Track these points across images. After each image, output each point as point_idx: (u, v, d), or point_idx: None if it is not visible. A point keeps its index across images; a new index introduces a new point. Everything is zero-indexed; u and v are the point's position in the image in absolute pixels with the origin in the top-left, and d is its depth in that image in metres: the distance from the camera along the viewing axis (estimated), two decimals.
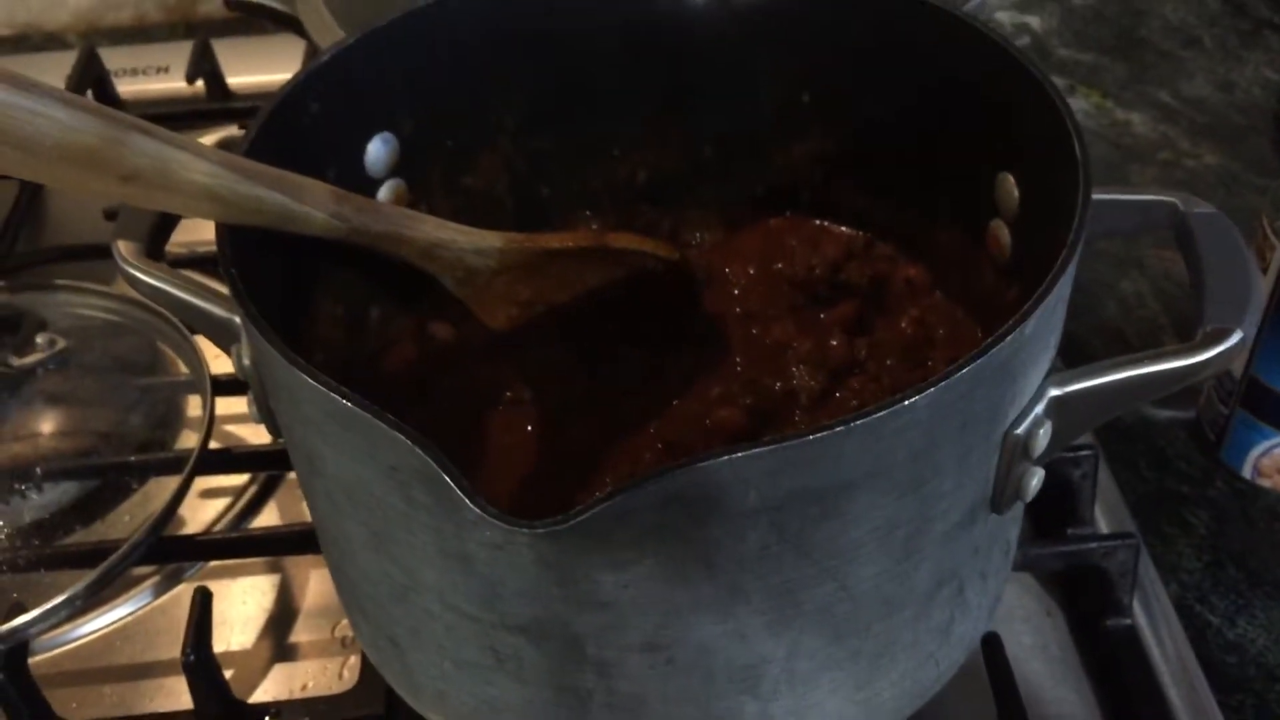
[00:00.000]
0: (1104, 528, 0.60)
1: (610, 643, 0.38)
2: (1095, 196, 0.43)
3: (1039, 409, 0.39)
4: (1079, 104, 0.89)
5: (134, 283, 0.45)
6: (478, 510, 0.32)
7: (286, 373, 0.36)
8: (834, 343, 0.52)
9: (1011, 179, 0.47)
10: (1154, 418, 0.68)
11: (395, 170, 0.53)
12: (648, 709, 0.40)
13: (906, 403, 0.33)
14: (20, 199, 0.80)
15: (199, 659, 0.52)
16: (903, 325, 0.53)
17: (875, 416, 0.33)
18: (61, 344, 0.63)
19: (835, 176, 0.57)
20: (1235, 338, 0.39)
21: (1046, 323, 0.37)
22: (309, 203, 0.42)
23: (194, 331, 0.65)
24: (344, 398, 0.35)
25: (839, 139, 0.55)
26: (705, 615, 0.37)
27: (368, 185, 0.52)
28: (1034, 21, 0.97)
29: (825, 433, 0.33)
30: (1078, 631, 0.57)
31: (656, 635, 0.38)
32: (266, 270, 0.43)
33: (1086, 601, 0.57)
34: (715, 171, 0.59)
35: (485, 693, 0.42)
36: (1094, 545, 0.55)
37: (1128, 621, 0.56)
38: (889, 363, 0.52)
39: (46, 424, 0.64)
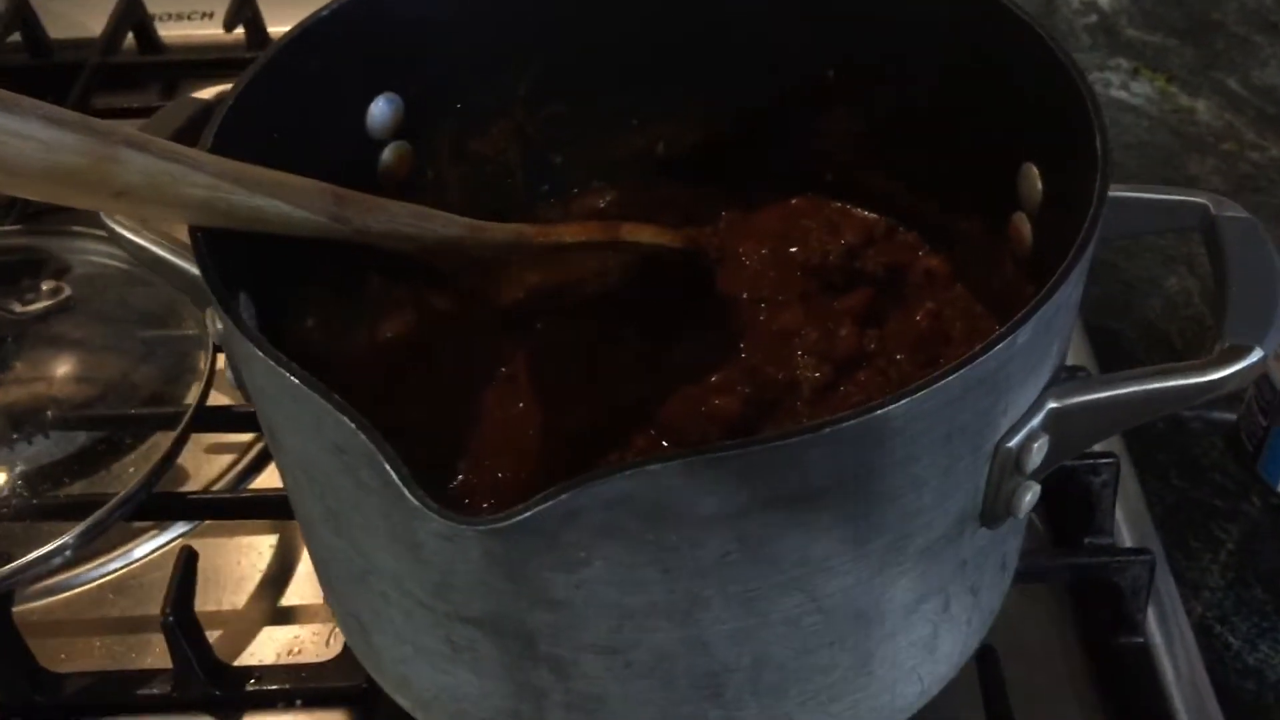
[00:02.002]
0: (1126, 537, 0.57)
1: (565, 642, 0.36)
2: (1120, 194, 0.40)
3: (1035, 421, 0.36)
4: (1141, 88, 0.85)
5: (115, 237, 0.44)
6: (418, 503, 0.31)
7: (243, 344, 0.35)
8: (843, 333, 0.50)
9: (1036, 170, 0.45)
10: (1191, 423, 0.64)
11: (399, 132, 0.51)
12: (607, 709, 0.38)
13: (881, 411, 0.31)
14: None
15: (178, 619, 0.51)
16: (917, 318, 0.51)
17: (847, 424, 0.31)
18: (68, 292, 0.63)
19: (859, 158, 0.54)
20: (1254, 356, 0.36)
21: (1046, 330, 0.35)
22: (309, 208, 0.40)
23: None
24: (292, 374, 0.33)
25: (863, 119, 0.53)
26: (663, 620, 0.35)
27: (369, 146, 0.51)
28: None
29: (791, 439, 0.31)
30: (1088, 646, 0.54)
31: (612, 638, 0.36)
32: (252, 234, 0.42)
33: (1098, 616, 0.54)
34: (736, 147, 0.56)
35: (443, 681, 0.40)
36: (1106, 559, 0.52)
37: (1140, 639, 0.53)
38: (898, 357, 0.50)
39: (54, 370, 0.64)
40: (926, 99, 0.50)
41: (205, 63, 0.87)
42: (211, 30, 0.92)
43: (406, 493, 0.31)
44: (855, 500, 0.33)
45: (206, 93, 0.47)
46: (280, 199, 0.39)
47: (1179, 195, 0.41)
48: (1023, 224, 0.46)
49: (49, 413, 0.61)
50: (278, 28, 0.90)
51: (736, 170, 0.57)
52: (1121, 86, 0.85)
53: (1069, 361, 0.64)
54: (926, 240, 0.54)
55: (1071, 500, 0.56)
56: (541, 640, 0.36)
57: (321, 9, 0.47)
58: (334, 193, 0.41)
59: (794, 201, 0.56)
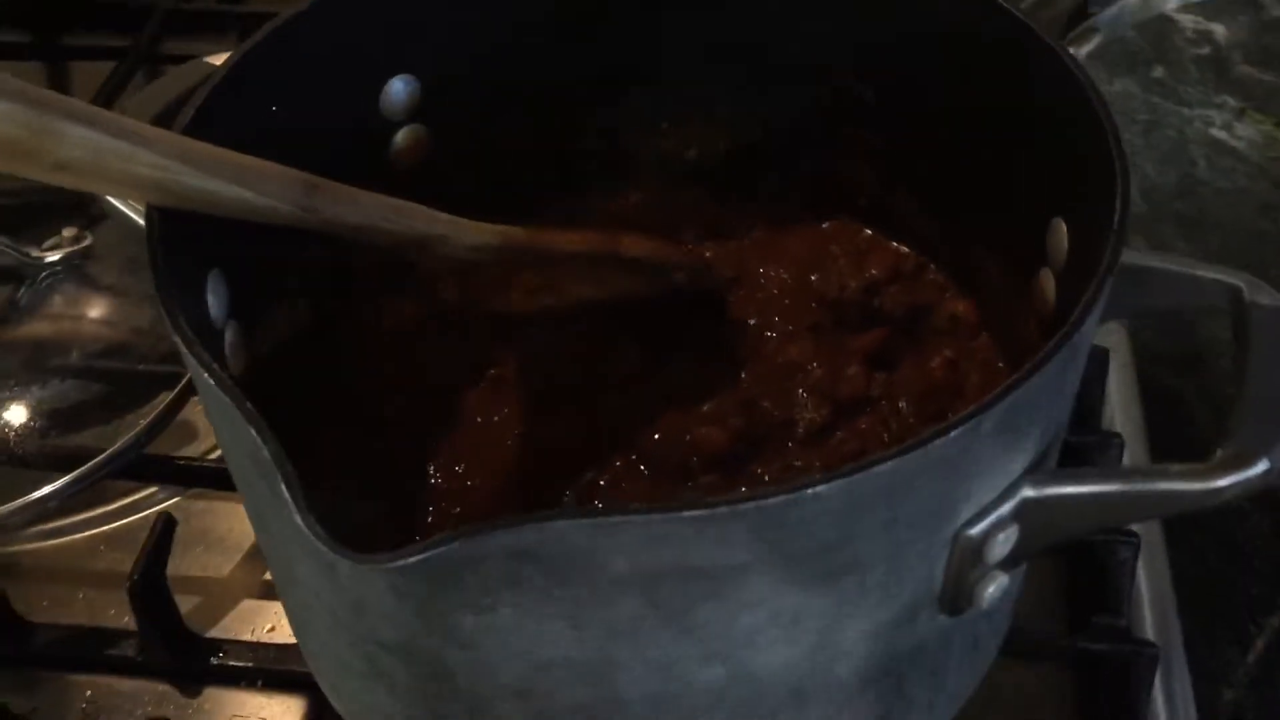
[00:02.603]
0: (1146, 619, 0.53)
1: (481, 682, 0.35)
2: (1143, 263, 0.37)
3: (1004, 510, 0.33)
4: (1245, 131, 0.79)
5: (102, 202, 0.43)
6: (306, 531, 0.29)
7: (172, 334, 0.34)
8: (850, 372, 0.47)
9: (1064, 227, 0.41)
10: (1236, 506, 0.60)
11: (415, 115, 0.49)
12: None
13: (810, 491, 0.29)
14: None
15: (145, 584, 0.50)
16: (933, 365, 0.48)
17: (770, 501, 0.28)
18: (88, 240, 0.62)
19: (895, 187, 0.51)
20: (1259, 467, 0.33)
21: (1018, 417, 0.32)
22: (273, 195, 0.38)
23: None
24: (211, 376, 0.32)
25: (900, 145, 0.50)
26: (577, 676, 0.33)
27: (382, 128, 0.49)
28: (1219, 30, 0.87)
29: (705, 511, 0.28)
30: None
31: (528, 684, 0.34)
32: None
33: (1102, 701, 0.51)
34: (770, 160, 0.54)
35: (367, 698, 0.39)
36: (1105, 647, 0.49)
37: None
38: (902, 406, 0.47)
39: (77, 315, 0.64)
40: (966, 135, 0.46)
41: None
42: None
43: (298, 520, 0.29)
44: (782, 579, 0.31)
45: (216, 58, 0.46)
46: (240, 184, 0.37)
47: (1211, 273, 0.38)
48: (1048, 281, 0.43)
49: (63, 358, 0.61)
50: None
51: (770, 185, 0.54)
52: (1224, 127, 0.80)
53: (1115, 423, 0.60)
54: (956, 282, 0.50)
55: (1087, 574, 0.52)
56: (458, 677, 0.34)
57: None
58: (304, 181, 0.39)
59: (825, 225, 0.53)
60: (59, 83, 0.86)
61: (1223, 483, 0.32)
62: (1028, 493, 0.33)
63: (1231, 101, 0.82)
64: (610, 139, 0.54)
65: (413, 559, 0.28)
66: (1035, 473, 0.34)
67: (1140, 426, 0.61)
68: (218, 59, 0.47)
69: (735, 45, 0.50)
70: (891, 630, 0.35)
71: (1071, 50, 0.57)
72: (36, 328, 0.62)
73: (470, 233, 0.43)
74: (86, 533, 0.59)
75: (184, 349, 0.33)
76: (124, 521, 0.60)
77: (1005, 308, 0.47)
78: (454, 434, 0.48)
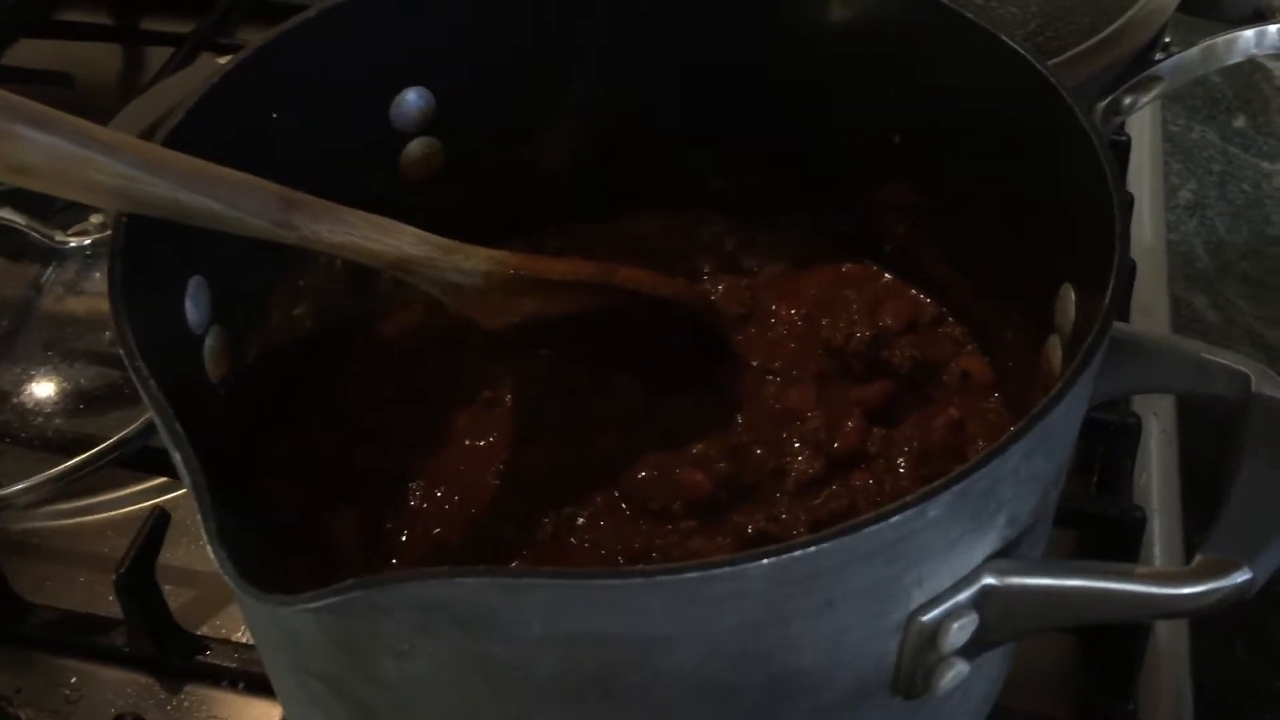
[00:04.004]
0: (1157, 710, 0.51)
1: None
2: (1147, 341, 0.34)
3: (961, 597, 0.31)
4: None
5: None
6: (216, 563, 0.28)
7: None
8: (849, 425, 0.45)
9: (1073, 294, 0.39)
10: (1273, 585, 0.56)
11: (427, 128, 0.49)
12: None
13: (725, 569, 0.27)
14: None
15: (133, 577, 0.51)
16: (937, 424, 0.46)
17: (682, 576, 0.27)
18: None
19: (918, 234, 0.49)
20: (1240, 577, 0.30)
21: (975, 502, 0.30)
22: (246, 209, 0.37)
23: None
24: (147, 393, 0.31)
25: (925, 193, 0.48)
26: None
27: (390, 139, 0.48)
28: None
29: (617, 581, 0.27)
30: None
31: None
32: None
33: None
34: (794, 196, 0.52)
35: None
36: None
37: None
38: (900, 464, 0.45)
39: (85, 305, 0.64)
40: (987, 187, 0.44)
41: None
42: None
43: (211, 550, 0.28)
44: (709, 653, 0.29)
45: (225, 59, 0.46)
46: (212, 197, 0.36)
47: (1219, 357, 0.35)
48: (1055, 350, 0.41)
49: (91, 339, 0.62)
50: None
51: (792, 221, 0.52)
52: None
53: (1150, 498, 0.57)
54: (973, 339, 0.48)
55: (1097, 652, 0.50)
56: (380, 715, 0.34)
57: None
58: (281, 196, 0.38)
59: (845, 269, 0.51)
60: (135, 66, 0.87)
61: (1198, 589, 0.30)
62: (989, 581, 0.32)
63: None
64: (632, 161, 0.53)
65: (318, 604, 0.27)
66: (1000, 559, 0.32)
67: (1175, 502, 0.58)
68: (226, 60, 0.47)
69: (772, 83, 0.49)
70: (838, 714, 0.33)
71: (1130, 99, 0.55)
72: (58, 310, 0.62)
73: (460, 256, 0.42)
74: (94, 516, 0.60)
75: (126, 361, 0.32)
76: (132, 508, 0.60)
77: (1019, 371, 0.45)
78: (440, 453, 0.47)
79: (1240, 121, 0.79)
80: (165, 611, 0.53)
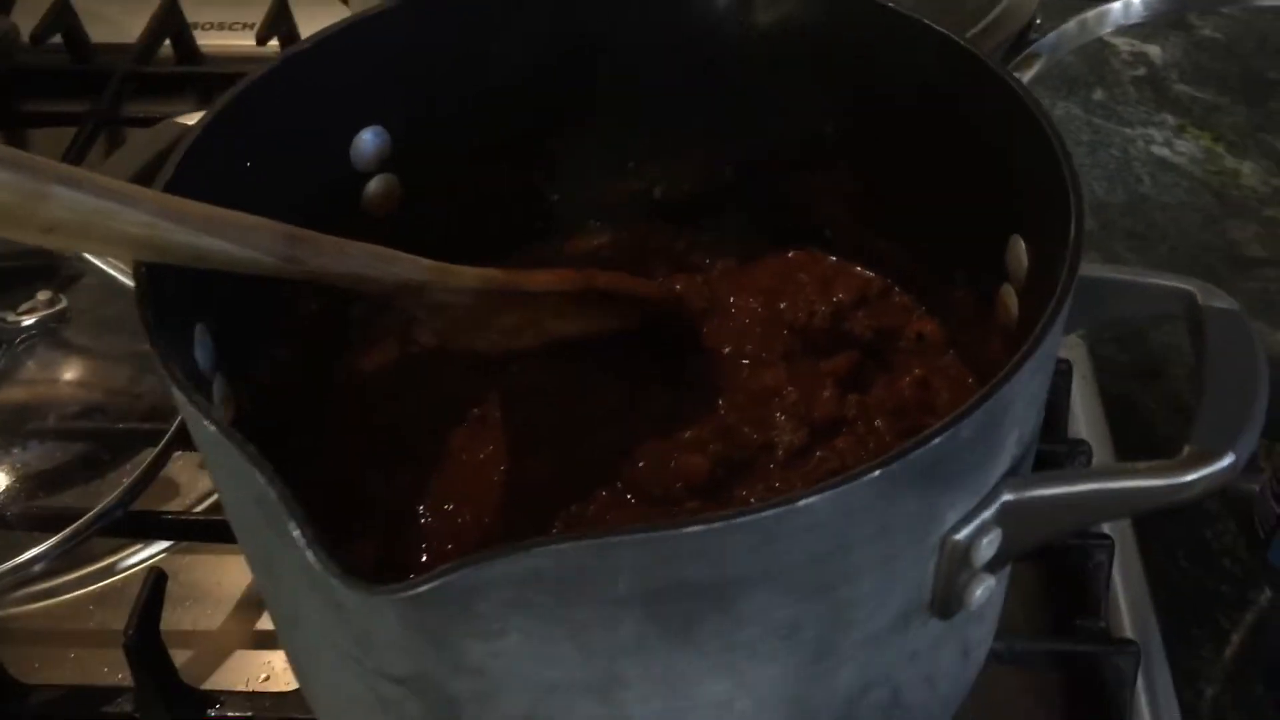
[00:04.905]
0: (1125, 620, 0.55)
1: (487, 710, 0.35)
2: (1097, 275, 0.38)
3: (987, 514, 0.35)
4: (1186, 146, 0.82)
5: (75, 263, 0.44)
6: (319, 567, 0.30)
7: (168, 384, 0.35)
8: (824, 395, 0.49)
9: (1023, 244, 0.43)
10: (1204, 509, 0.62)
11: (385, 165, 0.51)
12: None
13: (800, 503, 0.30)
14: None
15: (141, 640, 0.51)
16: (902, 385, 0.49)
17: (762, 515, 0.30)
18: (63, 303, 0.63)
19: (857, 217, 0.53)
20: (1224, 462, 0.34)
21: (997, 422, 0.33)
22: (257, 247, 0.39)
23: None
24: (212, 423, 0.33)
25: (861, 178, 0.52)
26: (584, 697, 0.34)
27: (352, 178, 0.50)
28: (1154, 51, 0.90)
29: (701, 527, 0.30)
30: None
31: (535, 709, 0.35)
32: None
33: (1085, 705, 0.52)
34: (735, 195, 0.55)
35: None
36: (1089, 648, 0.50)
37: None
38: (878, 424, 0.48)
39: (56, 377, 0.64)
40: (922, 163, 0.48)
41: (242, 74, 0.87)
42: (250, 41, 0.92)
43: (310, 557, 0.30)
44: (779, 591, 0.32)
45: (189, 118, 0.47)
46: (226, 239, 0.38)
47: (1163, 280, 0.39)
48: (1009, 297, 0.44)
49: (43, 420, 0.62)
50: None
51: (735, 219, 0.56)
52: (1164, 144, 0.83)
53: (1080, 431, 0.62)
54: (921, 303, 0.52)
55: (1065, 580, 0.54)
56: (464, 707, 0.35)
57: (307, 39, 0.47)
58: (287, 233, 0.40)
59: (791, 255, 0.55)
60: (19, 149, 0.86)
61: (1191, 477, 0.34)
62: (1007, 497, 0.35)
63: (1171, 119, 0.85)
64: (578, 181, 0.56)
65: (424, 587, 0.29)
66: (1013, 477, 0.35)
67: (1105, 434, 0.63)
68: (189, 119, 0.48)
69: (705, 90, 0.52)
70: (886, 637, 0.36)
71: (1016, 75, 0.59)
72: (15, 391, 0.62)
73: (451, 276, 0.44)
74: (72, 594, 0.59)
75: (183, 399, 0.33)
76: (109, 581, 0.60)
77: (970, 325, 0.49)
78: (442, 473, 0.49)
79: (1099, 94, 0.86)
80: (173, 671, 0.53)
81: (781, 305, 0.52)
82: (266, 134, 0.45)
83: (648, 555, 0.30)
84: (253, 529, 0.36)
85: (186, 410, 0.34)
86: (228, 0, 0.95)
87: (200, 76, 0.89)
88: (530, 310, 0.48)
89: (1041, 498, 0.35)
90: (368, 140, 0.50)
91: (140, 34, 0.88)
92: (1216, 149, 0.82)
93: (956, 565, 0.35)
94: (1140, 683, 0.51)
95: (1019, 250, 0.43)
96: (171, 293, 0.39)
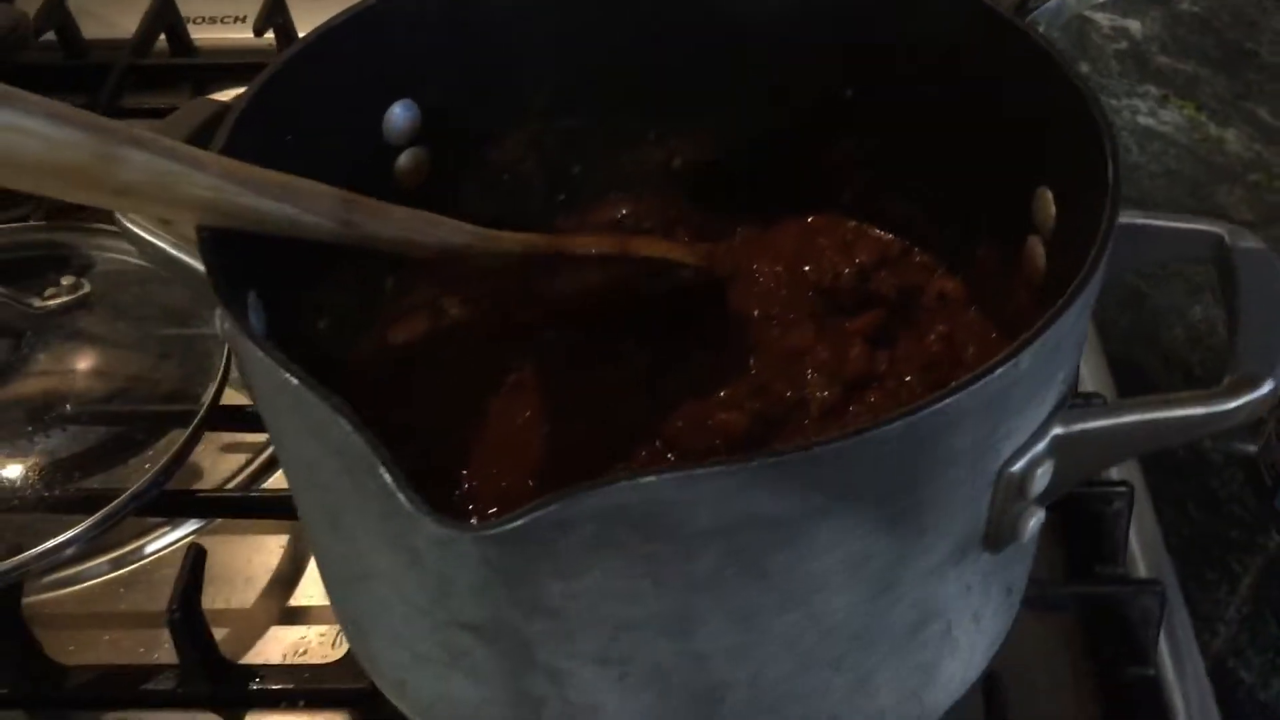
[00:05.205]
0: (1140, 567, 0.57)
1: (561, 651, 0.36)
2: (1130, 221, 0.40)
3: (1040, 447, 0.36)
4: (1170, 116, 0.84)
5: (126, 234, 0.44)
6: (412, 508, 0.31)
7: (244, 344, 0.35)
8: (853, 353, 0.50)
9: (1050, 195, 0.44)
10: (1209, 454, 0.64)
11: (416, 139, 0.51)
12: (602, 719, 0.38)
13: (874, 433, 0.31)
14: None
15: (185, 616, 0.51)
16: (929, 341, 0.51)
17: (840, 444, 0.31)
18: (86, 288, 0.63)
19: (876, 179, 0.54)
20: (1265, 388, 0.36)
21: (1049, 357, 0.34)
22: (316, 212, 0.40)
23: None
24: (293, 375, 0.33)
25: (880, 139, 0.53)
26: (659, 634, 0.35)
27: (385, 152, 0.51)
28: (1134, 26, 0.93)
29: (784, 457, 0.31)
30: (1098, 676, 0.54)
31: (608, 649, 0.36)
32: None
33: (1108, 646, 0.54)
34: (754, 162, 0.56)
35: (441, 687, 0.40)
36: (1115, 589, 0.52)
37: (1151, 671, 0.53)
38: (908, 379, 0.49)
39: (73, 365, 0.64)
40: (943, 121, 0.49)
41: (236, 65, 0.88)
42: (242, 34, 0.92)
43: (402, 498, 0.31)
44: (851, 522, 0.33)
45: (224, 94, 0.48)
46: (287, 202, 0.39)
47: (1193, 224, 0.41)
48: (1037, 249, 0.46)
49: (67, 406, 0.62)
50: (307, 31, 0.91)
51: (754, 186, 0.57)
52: (1149, 114, 0.85)
53: (1088, 388, 0.64)
54: (942, 263, 0.53)
55: (1084, 527, 0.55)
56: (538, 649, 0.36)
57: (338, 15, 0.47)
58: (342, 198, 0.41)
59: (810, 219, 0.56)
60: None
61: (1234, 404, 0.35)
62: (1058, 430, 0.36)
63: (1154, 90, 0.87)
64: (598, 153, 0.56)
65: (516, 523, 0.30)
66: (1062, 411, 0.37)
67: (1112, 394, 0.64)
68: (224, 95, 0.49)
69: (724, 59, 0.53)
70: (944, 570, 0.37)
71: None
72: (43, 376, 0.62)
73: (493, 241, 0.45)
74: (101, 579, 0.60)
75: (260, 355, 0.34)
76: (137, 565, 0.60)
77: (992, 281, 0.50)
78: (482, 439, 0.49)
79: (1083, 68, 0.88)
80: (214, 647, 0.54)
81: (805, 268, 0.54)
82: (305, 107, 0.46)
83: (730, 487, 0.31)
84: (324, 485, 0.37)
85: (262, 365, 0.34)
86: None
87: (195, 68, 0.89)
88: (566, 275, 0.49)
89: (1091, 430, 0.36)
90: (399, 114, 0.50)
91: (135, 28, 0.88)
92: (1200, 118, 0.85)
93: (1012, 497, 0.36)
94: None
95: (1046, 201, 0.45)
96: (227, 260, 0.39)
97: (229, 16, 0.95)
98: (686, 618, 0.35)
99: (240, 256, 0.40)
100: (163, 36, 0.89)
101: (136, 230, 0.44)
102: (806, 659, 0.37)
